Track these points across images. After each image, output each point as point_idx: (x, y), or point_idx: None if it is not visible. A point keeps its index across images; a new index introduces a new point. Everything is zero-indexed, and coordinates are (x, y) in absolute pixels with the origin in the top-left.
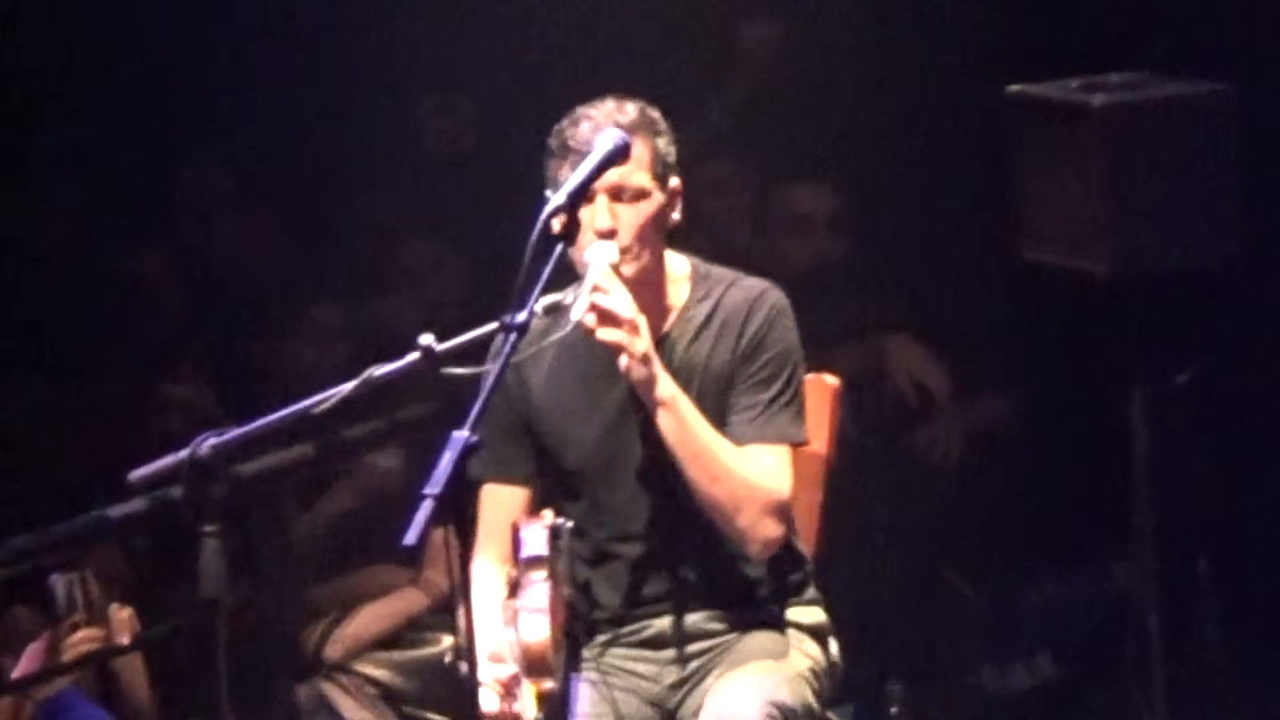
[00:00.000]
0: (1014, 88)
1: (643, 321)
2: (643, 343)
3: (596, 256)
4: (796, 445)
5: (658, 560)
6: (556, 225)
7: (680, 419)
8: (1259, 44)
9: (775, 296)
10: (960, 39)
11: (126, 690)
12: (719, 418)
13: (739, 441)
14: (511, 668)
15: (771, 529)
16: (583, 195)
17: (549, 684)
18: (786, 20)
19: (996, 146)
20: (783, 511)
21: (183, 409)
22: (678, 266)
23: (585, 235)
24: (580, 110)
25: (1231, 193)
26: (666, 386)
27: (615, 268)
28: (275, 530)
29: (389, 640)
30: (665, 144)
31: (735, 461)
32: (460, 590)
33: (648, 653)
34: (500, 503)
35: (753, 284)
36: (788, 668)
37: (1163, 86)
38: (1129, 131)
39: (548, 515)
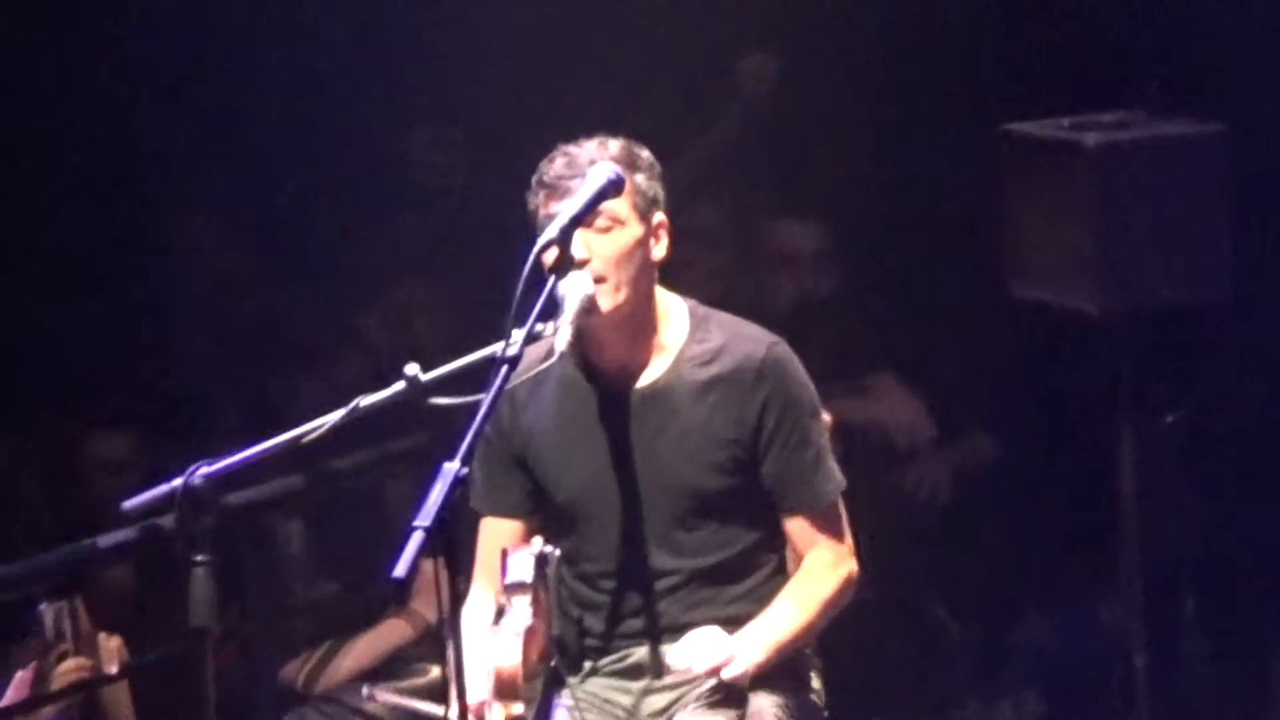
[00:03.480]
0: (1006, 126)
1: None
2: (735, 668)
3: (572, 288)
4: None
5: (643, 593)
6: (549, 259)
7: (786, 644)
8: (1250, 84)
9: (780, 350)
10: (953, 76)
11: (113, 718)
12: (710, 469)
13: (801, 506)
14: (482, 692)
15: (851, 595)
16: (575, 228)
17: (517, 709)
18: (779, 57)
19: (988, 184)
20: (853, 580)
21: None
22: (673, 306)
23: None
24: (562, 148)
25: (1222, 232)
26: (755, 655)
27: (591, 299)
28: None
29: (374, 672)
30: (646, 179)
31: (823, 603)
32: (449, 624)
33: (627, 682)
34: (496, 535)
35: (754, 336)
36: (759, 700)
37: (1154, 126)
38: (1120, 170)
39: (537, 542)
